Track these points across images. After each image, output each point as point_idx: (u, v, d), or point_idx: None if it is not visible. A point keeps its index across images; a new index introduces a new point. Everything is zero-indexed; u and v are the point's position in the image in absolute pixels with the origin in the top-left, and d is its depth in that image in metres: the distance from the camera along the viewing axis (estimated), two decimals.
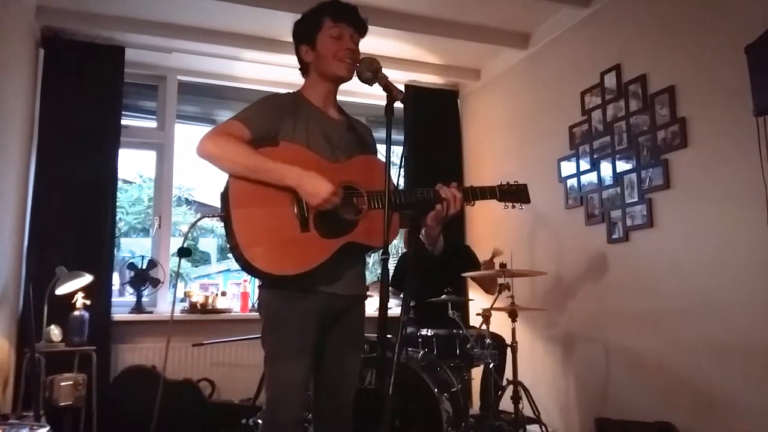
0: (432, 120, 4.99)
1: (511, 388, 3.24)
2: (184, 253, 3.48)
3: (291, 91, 2.03)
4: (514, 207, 2.08)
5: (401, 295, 3.68)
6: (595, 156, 3.70)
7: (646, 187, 3.31)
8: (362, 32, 2.03)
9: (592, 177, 3.72)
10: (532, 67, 4.39)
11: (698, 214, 3.03)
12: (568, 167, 3.94)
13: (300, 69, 2.07)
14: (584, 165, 3.79)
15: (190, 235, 7.47)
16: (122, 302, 4.22)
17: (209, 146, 1.80)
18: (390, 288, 3.85)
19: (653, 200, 3.28)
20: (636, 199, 3.37)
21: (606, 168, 3.61)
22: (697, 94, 3.05)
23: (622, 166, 3.49)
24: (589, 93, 3.78)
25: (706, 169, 2.99)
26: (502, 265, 3.35)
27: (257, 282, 1.98)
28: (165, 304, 4.28)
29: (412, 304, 3.59)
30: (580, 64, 3.86)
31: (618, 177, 3.51)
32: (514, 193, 2.08)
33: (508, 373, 3.36)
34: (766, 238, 2.64)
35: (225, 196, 1.81)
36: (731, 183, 2.86)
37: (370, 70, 1.83)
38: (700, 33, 3.05)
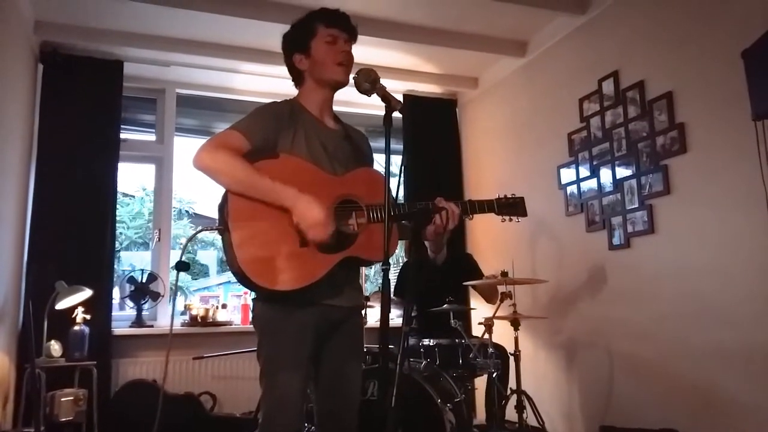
0: (431, 129, 5.00)
1: (514, 397, 3.22)
2: (182, 267, 3.47)
3: (287, 99, 2.02)
4: (511, 220, 2.08)
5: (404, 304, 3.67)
6: (594, 162, 3.70)
7: (646, 193, 3.31)
8: (354, 38, 2.03)
9: (592, 183, 3.72)
10: (530, 75, 4.40)
11: (699, 220, 3.02)
12: (567, 174, 3.94)
13: (293, 79, 2.05)
14: (584, 172, 3.79)
15: (189, 247, 7.46)
16: (122, 316, 4.20)
17: (207, 159, 1.77)
18: (393, 297, 3.86)
19: (654, 206, 3.27)
20: (636, 205, 3.37)
21: (606, 174, 3.61)
22: (696, 99, 3.06)
23: (622, 172, 3.48)
24: (588, 100, 3.78)
25: (705, 174, 2.99)
26: (504, 274, 3.34)
27: (253, 294, 1.97)
28: (165, 317, 4.26)
29: (413, 314, 3.58)
30: (578, 71, 3.87)
31: (618, 183, 3.50)
32: (512, 207, 2.07)
33: (512, 382, 3.34)
34: (767, 241, 2.63)
35: (223, 209, 1.79)
36: (731, 187, 2.86)
37: (368, 81, 1.82)
38: (697, 38, 3.06)
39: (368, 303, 3.47)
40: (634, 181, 3.39)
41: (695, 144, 3.05)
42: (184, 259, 3.53)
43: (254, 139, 1.82)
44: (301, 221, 1.75)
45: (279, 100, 2.00)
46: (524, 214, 2.09)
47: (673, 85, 3.18)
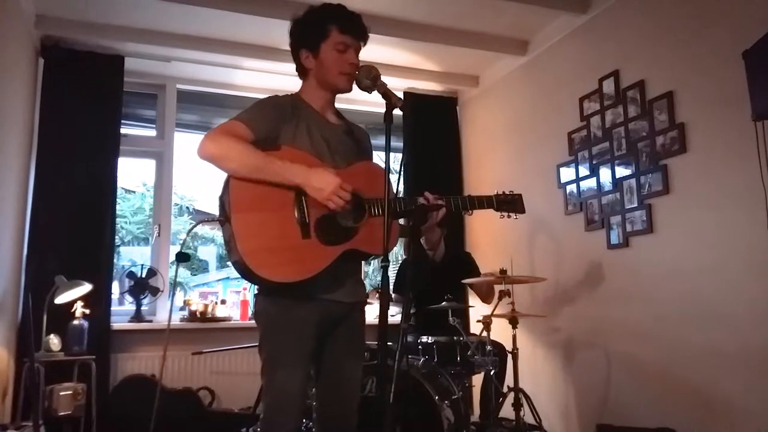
0: (431, 127, 5.00)
1: (512, 395, 3.23)
2: (182, 258, 3.48)
3: (290, 93, 2.02)
4: (509, 217, 2.10)
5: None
6: (594, 162, 3.71)
7: (645, 193, 3.31)
8: (365, 43, 2.02)
9: (591, 183, 3.72)
10: (531, 74, 4.40)
11: (698, 220, 3.02)
12: (567, 173, 3.94)
13: (297, 70, 2.05)
14: (583, 171, 3.79)
15: (190, 243, 7.46)
16: (122, 311, 4.21)
17: (211, 147, 1.76)
18: (393, 294, 3.85)
19: (653, 206, 3.28)
20: (635, 205, 3.37)
21: (605, 174, 3.61)
22: (696, 99, 3.06)
23: (621, 171, 3.49)
24: (588, 99, 3.78)
25: (705, 174, 2.99)
26: (502, 272, 3.35)
27: (255, 289, 1.97)
28: (164, 312, 4.27)
29: (412, 311, 3.59)
30: (579, 70, 3.87)
31: (617, 183, 3.51)
32: (510, 203, 2.11)
33: (509, 380, 3.35)
34: (766, 241, 2.63)
35: (224, 200, 1.79)
36: (730, 188, 2.86)
37: (369, 78, 1.83)
38: (697, 39, 3.06)
39: (367, 300, 3.48)
40: (633, 181, 3.40)
41: (695, 144, 3.05)
42: (183, 251, 3.53)
43: (257, 130, 1.82)
44: (318, 192, 1.75)
45: (281, 94, 2.00)
46: (522, 210, 2.12)
47: (674, 85, 3.18)
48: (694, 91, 3.07)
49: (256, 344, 1.91)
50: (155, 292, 4.20)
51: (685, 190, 3.11)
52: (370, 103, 4.12)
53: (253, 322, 1.95)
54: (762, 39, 2.54)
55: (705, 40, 3.02)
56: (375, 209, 1.86)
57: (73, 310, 3.63)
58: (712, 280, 2.93)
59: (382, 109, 1.76)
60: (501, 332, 3.62)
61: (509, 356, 3.36)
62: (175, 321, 4.27)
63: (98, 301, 3.80)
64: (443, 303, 3.25)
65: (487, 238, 4.74)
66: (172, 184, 4.55)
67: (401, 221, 2.07)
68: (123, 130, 4.20)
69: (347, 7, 1.98)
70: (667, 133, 3.19)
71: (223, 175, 1.81)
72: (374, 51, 4.26)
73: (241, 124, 1.81)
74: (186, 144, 4.69)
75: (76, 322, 3.62)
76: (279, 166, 1.76)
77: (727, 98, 2.86)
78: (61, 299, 3.49)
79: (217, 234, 7.68)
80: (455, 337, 3.20)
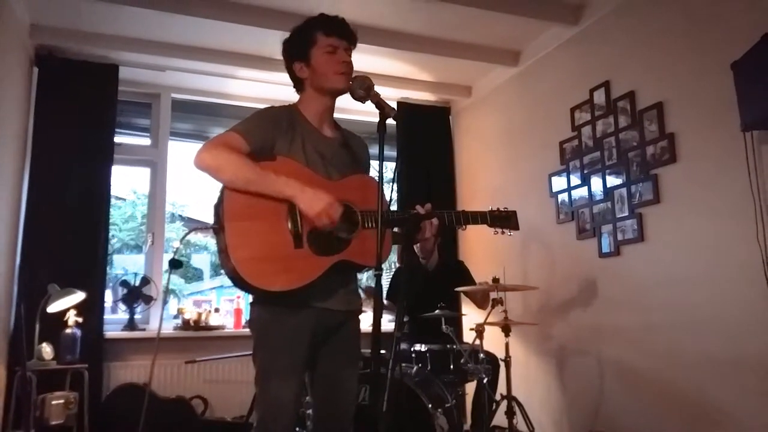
0: (424, 136, 5.03)
1: (505, 403, 3.24)
2: (175, 264, 3.48)
3: (286, 105, 2.04)
4: (503, 233, 2.12)
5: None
6: (585, 171, 3.74)
7: (636, 202, 3.34)
8: (354, 44, 2.04)
9: (582, 192, 3.75)
10: (523, 84, 4.44)
11: (688, 228, 3.05)
12: (558, 182, 3.97)
13: (294, 86, 2.07)
14: (575, 180, 3.82)
15: (183, 251, 7.44)
16: (115, 319, 4.19)
17: (207, 158, 1.79)
18: (387, 302, 3.84)
19: (643, 215, 3.31)
20: (626, 214, 3.40)
21: (596, 183, 3.64)
22: (685, 109, 3.10)
23: (612, 181, 3.52)
24: (579, 109, 3.82)
25: (695, 183, 3.03)
26: (495, 280, 3.37)
27: (250, 298, 1.98)
28: (158, 321, 4.25)
29: (405, 319, 3.60)
30: (570, 81, 3.91)
31: (608, 192, 3.54)
32: (504, 219, 2.13)
33: (502, 388, 3.36)
34: (756, 250, 2.66)
35: (219, 208, 1.80)
36: (720, 197, 2.89)
37: (363, 88, 1.85)
38: (687, 50, 3.11)
39: (362, 308, 3.48)
40: (624, 190, 3.43)
41: (685, 154, 3.09)
42: (176, 257, 3.54)
43: (253, 141, 1.84)
44: (309, 208, 1.77)
45: (278, 105, 2.01)
46: (516, 227, 2.13)
47: (664, 95, 3.21)
48: (683, 102, 3.11)
49: (250, 353, 1.91)
50: (148, 300, 4.19)
51: (675, 200, 3.14)
52: (364, 112, 4.14)
53: (247, 330, 1.96)
54: (750, 50, 2.58)
55: (694, 52, 3.06)
56: (368, 222, 1.88)
57: (65, 318, 3.62)
58: (702, 288, 2.96)
59: (376, 119, 1.78)
60: (494, 340, 3.63)
61: (502, 364, 3.37)
62: (169, 329, 4.26)
63: (91, 310, 3.79)
64: (436, 311, 3.27)
65: (480, 246, 4.76)
66: (166, 192, 4.55)
67: (395, 229, 2.09)
68: (117, 139, 4.20)
69: (329, 14, 2.02)
70: (657, 143, 3.23)
71: (217, 184, 1.83)
72: (368, 61, 4.31)
73: (237, 135, 1.83)
74: (180, 153, 4.70)
75: (68, 330, 3.61)
76: (273, 178, 1.78)
77: (716, 109, 2.90)
78: (53, 308, 3.48)
79: (211, 242, 7.66)
80: (448, 345, 3.21)
